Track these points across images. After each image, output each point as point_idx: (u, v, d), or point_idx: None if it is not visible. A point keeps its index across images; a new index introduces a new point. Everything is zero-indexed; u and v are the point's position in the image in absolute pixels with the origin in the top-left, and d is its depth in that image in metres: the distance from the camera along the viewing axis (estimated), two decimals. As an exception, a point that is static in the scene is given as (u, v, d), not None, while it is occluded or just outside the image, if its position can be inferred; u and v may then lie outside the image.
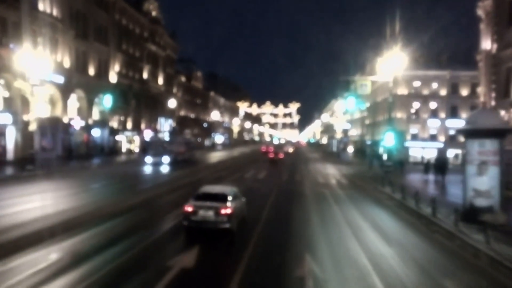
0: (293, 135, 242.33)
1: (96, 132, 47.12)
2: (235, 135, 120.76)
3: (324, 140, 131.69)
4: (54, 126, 39.00)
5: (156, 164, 36.69)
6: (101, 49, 47.04)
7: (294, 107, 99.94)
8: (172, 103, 58.44)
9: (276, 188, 22.99)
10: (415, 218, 15.92)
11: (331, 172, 36.20)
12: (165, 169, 34.36)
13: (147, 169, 33.80)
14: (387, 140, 26.14)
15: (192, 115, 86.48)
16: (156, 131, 64.22)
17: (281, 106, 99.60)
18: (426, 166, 34.49)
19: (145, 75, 59.20)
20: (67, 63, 39.64)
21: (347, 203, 19.21)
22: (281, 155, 50.38)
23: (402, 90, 51.22)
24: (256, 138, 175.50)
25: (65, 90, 39.40)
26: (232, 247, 11.23)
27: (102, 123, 48.11)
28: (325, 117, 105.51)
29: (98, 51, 46.28)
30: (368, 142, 67.48)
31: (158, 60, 64.58)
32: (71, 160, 37.11)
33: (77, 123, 41.70)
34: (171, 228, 12.93)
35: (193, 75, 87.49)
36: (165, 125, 70.20)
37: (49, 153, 38.21)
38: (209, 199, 11.84)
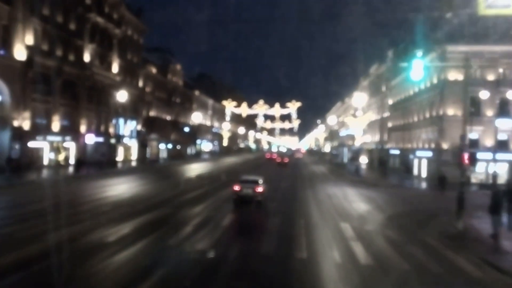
0: (293, 143, 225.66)
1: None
2: (225, 141, 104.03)
3: (327, 148, 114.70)
4: None
5: None
6: (-4, 7, 30.37)
7: (293, 107, 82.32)
8: (122, 95, 41.47)
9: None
10: None
11: (368, 214, 18.86)
12: None
13: None
14: None
15: (168, 117, 69.69)
16: (108, 135, 47.40)
17: (277, 106, 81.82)
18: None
19: (86, 57, 42.46)
20: None
21: None
22: (286, 160, 60.75)
23: (455, 74, 34.41)
24: (253, 146, 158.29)
25: None
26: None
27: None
28: (332, 119, 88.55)
29: (-12, 9, 29.61)
30: (394, 152, 50.42)
31: (111, 40, 47.90)
32: None
33: None
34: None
35: (169, 67, 70.79)
36: (126, 128, 53.39)
37: None
38: (248, 182, 19.14)
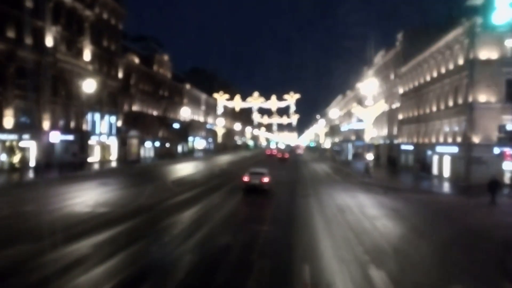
0: (292, 139, 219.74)
1: None
2: (220, 138, 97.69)
3: (327, 144, 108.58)
4: None
5: None
6: None
7: (292, 99, 74.91)
8: (88, 85, 35.11)
9: None
10: None
11: (406, 244, 12.72)
12: None
13: None
14: None
15: (154, 112, 63.51)
16: (80, 132, 41.25)
17: (274, 98, 74.14)
18: None
19: (49, 41, 36.28)
20: None
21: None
22: (287, 155, 64.01)
23: (487, 53, 28.28)
24: (250, 143, 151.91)
25: None
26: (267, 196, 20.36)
27: None
28: (334, 112, 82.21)
29: None
30: (407, 147, 44.32)
31: (82, 23, 41.70)
32: None
33: None
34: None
35: (155, 58, 64.48)
36: (103, 124, 47.31)
37: None
38: (256, 174, 22.24)
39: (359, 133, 77.02)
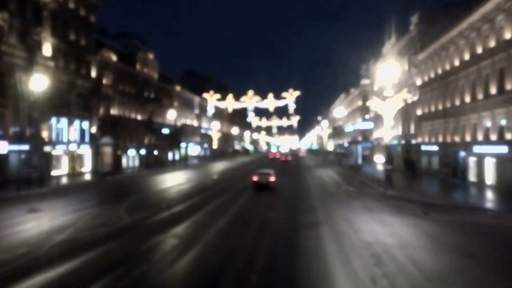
0: (293, 142, 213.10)
1: None
2: (216, 143, 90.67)
3: (330, 146, 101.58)
4: None
5: None
6: None
7: (291, 97, 67.22)
8: (36, 82, 28.02)
9: None
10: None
11: None
12: None
13: None
14: None
15: (138, 116, 56.74)
16: (40, 141, 34.35)
17: (271, 97, 66.25)
18: None
19: (-10, 31, 29.57)
20: None
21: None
22: (289, 158, 71.78)
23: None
24: (250, 147, 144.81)
25: None
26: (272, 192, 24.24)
27: None
28: (339, 111, 74.92)
29: None
30: (430, 148, 37.28)
31: (40, 12, 35.03)
32: None
33: None
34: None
35: (137, 56, 57.72)
36: (71, 131, 40.55)
37: None
38: (263, 174, 26.32)
39: (366, 134, 70.25)
